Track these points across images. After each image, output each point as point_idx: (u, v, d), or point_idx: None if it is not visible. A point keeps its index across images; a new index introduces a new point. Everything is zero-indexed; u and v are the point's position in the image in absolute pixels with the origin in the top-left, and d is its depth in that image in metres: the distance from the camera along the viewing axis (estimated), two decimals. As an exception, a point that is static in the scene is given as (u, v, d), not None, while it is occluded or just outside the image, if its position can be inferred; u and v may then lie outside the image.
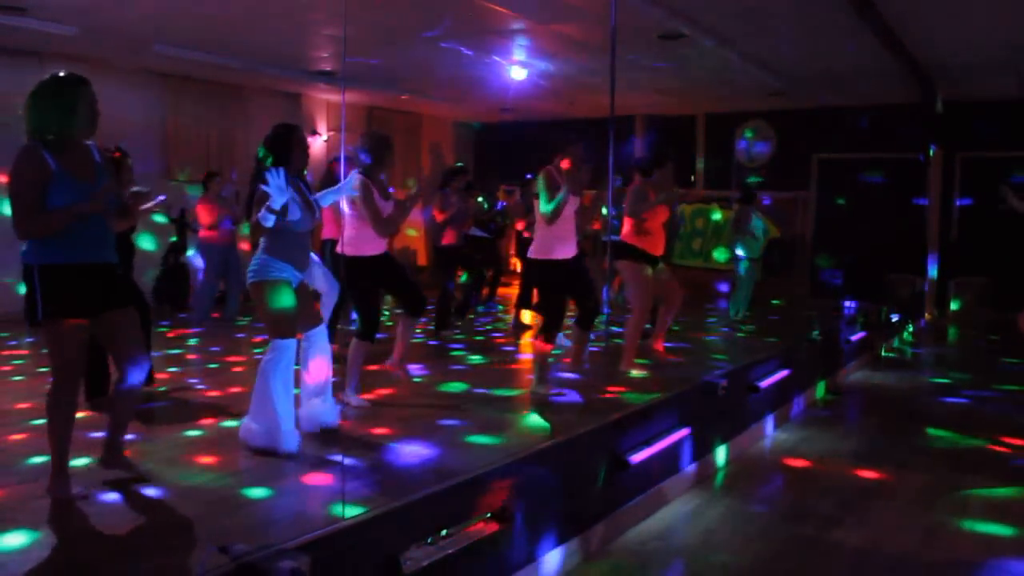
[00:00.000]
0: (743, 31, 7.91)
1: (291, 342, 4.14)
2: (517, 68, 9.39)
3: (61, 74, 3.49)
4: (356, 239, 5.01)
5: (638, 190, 6.28)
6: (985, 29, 7.95)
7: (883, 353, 9.65)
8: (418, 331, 8.15)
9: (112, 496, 3.45)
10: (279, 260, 4.17)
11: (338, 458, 4.03)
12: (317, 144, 12.31)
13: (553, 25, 7.67)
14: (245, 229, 8.81)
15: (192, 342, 7.72)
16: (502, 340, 8.02)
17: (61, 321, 3.34)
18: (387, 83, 11.01)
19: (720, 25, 7.67)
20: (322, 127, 12.40)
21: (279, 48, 9.07)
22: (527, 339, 7.82)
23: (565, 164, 5.43)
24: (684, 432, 4.90)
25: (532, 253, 5.44)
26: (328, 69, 10.17)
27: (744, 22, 7.56)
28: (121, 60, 9.21)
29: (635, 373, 6.05)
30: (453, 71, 10.07)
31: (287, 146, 4.29)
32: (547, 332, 5.43)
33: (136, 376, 3.59)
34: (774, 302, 11.09)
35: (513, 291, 10.48)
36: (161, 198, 6.57)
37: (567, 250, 5.35)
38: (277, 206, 4.02)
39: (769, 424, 6.39)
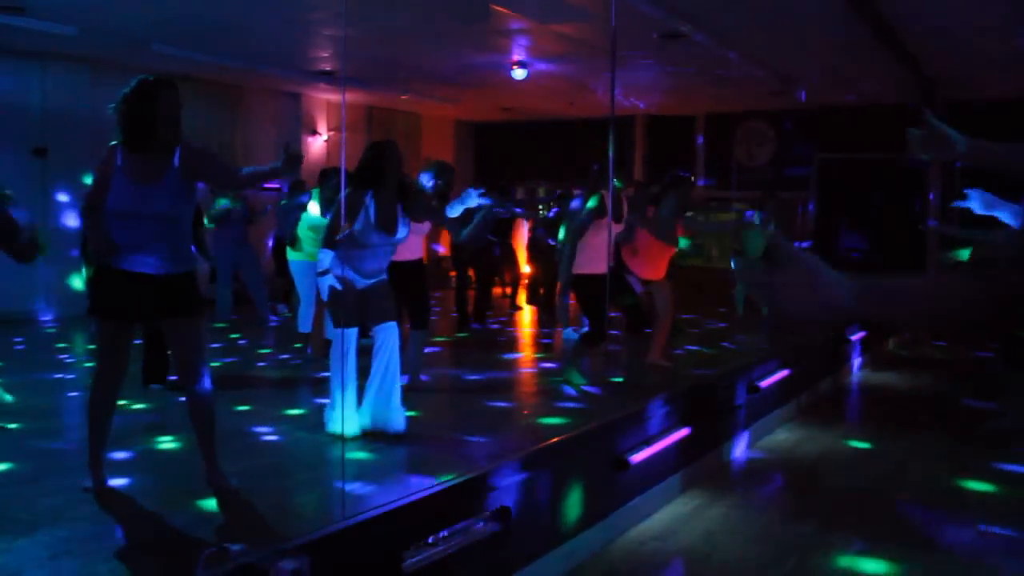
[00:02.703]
0: (743, 31, 7.90)
1: (345, 331, 4.34)
2: (517, 68, 9.39)
3: (149, 78, 3.50)
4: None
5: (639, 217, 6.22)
6: (983, 29, 7.94)
7: (883, 353, 9.64)
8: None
9: (111, 496, 3.45)
10: (340, 262, 4.37)
11: (340, 457, 4.03)
12: (317, 144, 12.31)
13: (553, 25, 7.67)
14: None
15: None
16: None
17: (104, 322, 3.45)
18: (387, 83, 11.00)
19: (720, 25, 7.66)
20: (322, 127, 12.39)
21: (279, 48, 9.06)
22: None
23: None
24: (684, 432, 4.90)
25: (575, 268, 5.73)
26: (328, 69, 10.16)
27: (744, 22, 7.56)
28: (121, 60, 9.20)
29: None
30: (453, 71, 10.06)
31: (379, 165, 4.42)
32: (591, 336, 5.67)
33: (198, 384, 3.57)
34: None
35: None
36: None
37: (603, 265, 5.62)
38: (360, 226, 4.31)
39: (769, 424, 6.38)
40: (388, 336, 4.39)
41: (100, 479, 3.50)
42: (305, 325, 6.64)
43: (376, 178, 4.38)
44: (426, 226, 5.54)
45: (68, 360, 6.91)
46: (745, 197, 12.64)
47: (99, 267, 3.43)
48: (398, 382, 4.40)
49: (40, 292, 9.07)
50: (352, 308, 4.37)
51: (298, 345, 7.00)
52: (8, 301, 8.54)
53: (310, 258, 6.37)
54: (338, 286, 4.35)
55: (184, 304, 3.51)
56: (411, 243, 5.23)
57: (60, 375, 6.17)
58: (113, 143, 3.46)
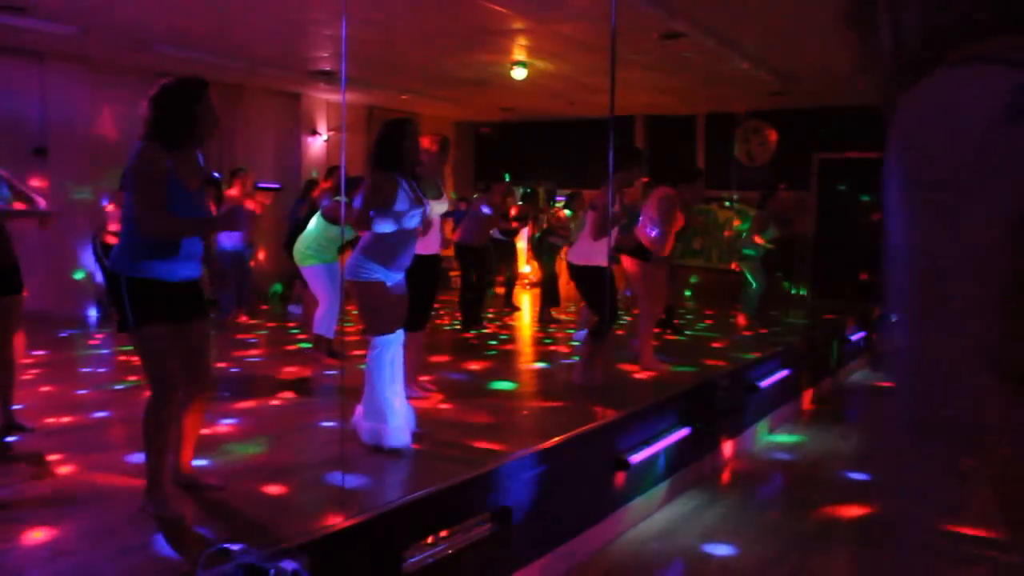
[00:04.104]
0: (743, 31, 7.90)
1: (390, 338, 4.15)
2: (517, 68, 9.39)
3: (182, 78, 3.39)
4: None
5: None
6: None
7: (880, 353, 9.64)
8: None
9: (111, 496, 3.45)
10: (371, 261, 4.17)
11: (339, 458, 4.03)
12: (317, 144, 12.31)
13: (553, 25, 7.67)
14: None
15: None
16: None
17: (151, 327, 3.26)
18: (387, 83, 11.00)
19: (720, 25, 7.67)
20: (322, 127, 12.39)
21: (279, 48, 9.06)
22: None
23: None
24: (684, 432, 4.90)
25: (577, 259, 5.73)
26: (328, 69, 10.16)
27: (744, 21, 7.56)
28: (121, 60, 9.20)
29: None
30: (453, 71, 10.07)
31: (397, 145, 4.26)
32: (599, 329, 5.64)
33: (209, 386, 3.52)
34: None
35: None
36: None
37: (603, 258, 5.62)
38: (402, 207, 4.13)
39: (769, 424, 6.38)
40: (392, 347, 4.25)
41: (168, 504, 3.28)
42: (321, 327, 6.60)
43: (397, 162, 4.24)
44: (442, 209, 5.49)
45: (70, 361, 6.91)
46: (745, 197, 12.65)
47: (136, 280, 3.25)
48: (400, 395, 4.23)
49: (44, 293, 9.07)
50: (386, 307, 4.20)
51: (306, 344, 7.01)
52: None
53: (323, 262, 6.37)
54: (383, 288, 4.18)
55: (200, 306, 3.46)
56: (432, 235, 5.11)
57: (61, 376, 6.16)
58: (150, 143, 3.26)
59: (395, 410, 4.13)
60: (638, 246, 6.38)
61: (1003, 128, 0.88)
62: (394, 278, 4.26)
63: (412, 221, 4.23)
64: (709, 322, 9.55)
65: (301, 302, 8.78)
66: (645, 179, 9.48)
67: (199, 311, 3.46)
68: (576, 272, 5.77)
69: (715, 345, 7.83)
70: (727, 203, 12.79)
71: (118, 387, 5.61)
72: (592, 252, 5.62)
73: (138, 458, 3.86)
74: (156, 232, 3.24)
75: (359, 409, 4.26)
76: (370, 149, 4.36)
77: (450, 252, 9.08)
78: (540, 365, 6.80)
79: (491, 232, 9.16)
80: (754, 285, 9.28)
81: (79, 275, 9.23)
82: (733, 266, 9.94)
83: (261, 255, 10.91)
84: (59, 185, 9.22)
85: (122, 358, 6.56)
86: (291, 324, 8.73)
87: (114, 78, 9.31)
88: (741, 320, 9.19)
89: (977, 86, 0.92)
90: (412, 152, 4.31)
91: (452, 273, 12.67)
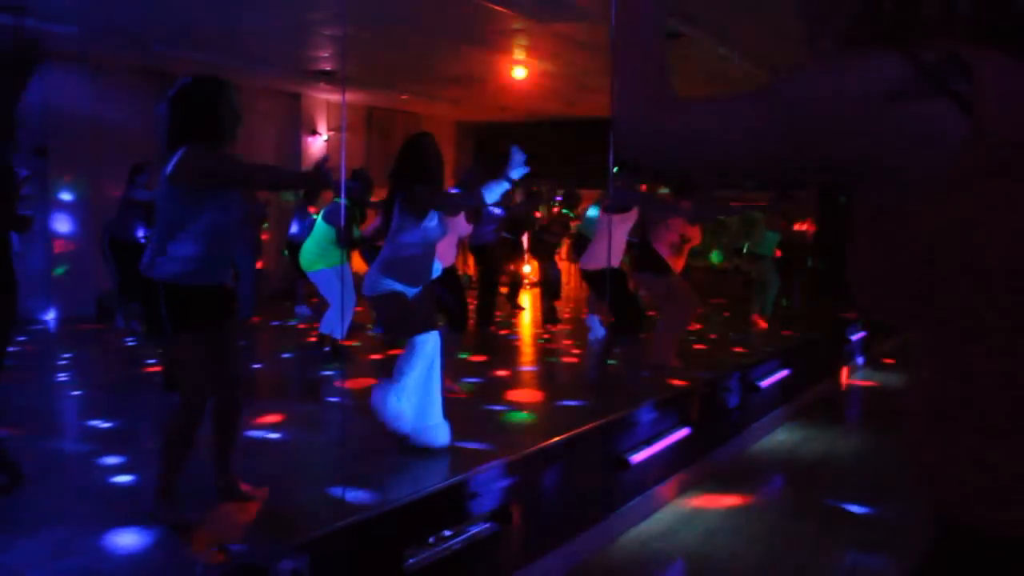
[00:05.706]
0: (743, 31, 7.90)
1: (424, 337, 4.01)
2: (517, 68, 9.40)
3: (201, 77, 3.36)
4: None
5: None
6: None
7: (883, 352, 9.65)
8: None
9: (112, 496, 3.45)
10: (388, 278, 4.07)
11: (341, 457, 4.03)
12: (317, 144, 12.31)
13: (553, 25, 7.67)
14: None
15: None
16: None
17: (185, 337, 3.16)
18: (387, 83, 11.00)
19: (720, 25, 7.66)
20: (322, 127, 12.39)
21: (279, 48, 9.06)
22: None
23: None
24: (684, 432, 4.90)
25: (585, 264, 5.79)
26: (328, 69, 10.17)
27: (744, 22, 7.56)
28: (121, 60, 9.20)
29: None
30: (453, 71, 10.07)
31: (425, 159, 4.15)
32: (616, 328, 5.67)
33: (236, 390, 3.41)
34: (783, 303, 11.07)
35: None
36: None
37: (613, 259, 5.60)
38: (431, 222, 4.03)
39: (769, 424, 6.38)
40: (428, 345, 4.16)
41: (178, 510, 3.20)
42: (327, 327, 6.59)
43: (426, 176, 4.12)
44: (460, 227, 5.56)
45: (71, 361, 6.91)
46: (744, 197, 12.63)
47: (170, 285, 3.13)
48: (439, 393, 4.14)
49: (44, 293, 9.06)
50: (410, 312, 4.10)
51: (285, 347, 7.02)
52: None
53: (329, 265, 6.38)
54: (402, 296, 4.08)
55: (230, 308, 3.37)
56: (446, 249, 5.15)
57: (62, 376, 6.17)
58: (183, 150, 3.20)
59: (431, 408, 4.03)
60: (649, 261, 6.23)
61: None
62: (413, 291, 4.15)
63: (436, 233, 4.12)
64: (709, 321, 9.55)
65: (305, 302, 8.78)
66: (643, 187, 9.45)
67: (227, 314, 3.36)
68: (587, 278, 5.86)
69: (716, 344, 7.83)
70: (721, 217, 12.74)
71: (116, 387, 5.61)
72: (600, 256, 5.63)
73: (137, 459, 3.87)
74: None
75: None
76: (398, 165, 4.20)
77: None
78: (541, 365, 6.80)
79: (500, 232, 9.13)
80: (766, 285, 9.25)
81: (59, 271, 9.21)
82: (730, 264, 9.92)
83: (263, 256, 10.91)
84: (59, 185, 9.23)
85: (120, 358, 6.56)
86: (301, 325, 8.73)
87: (114, 78, 9.30)
88: (756, 320, 9.13)
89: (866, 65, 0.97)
90: (437, 166, 4.21)
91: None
